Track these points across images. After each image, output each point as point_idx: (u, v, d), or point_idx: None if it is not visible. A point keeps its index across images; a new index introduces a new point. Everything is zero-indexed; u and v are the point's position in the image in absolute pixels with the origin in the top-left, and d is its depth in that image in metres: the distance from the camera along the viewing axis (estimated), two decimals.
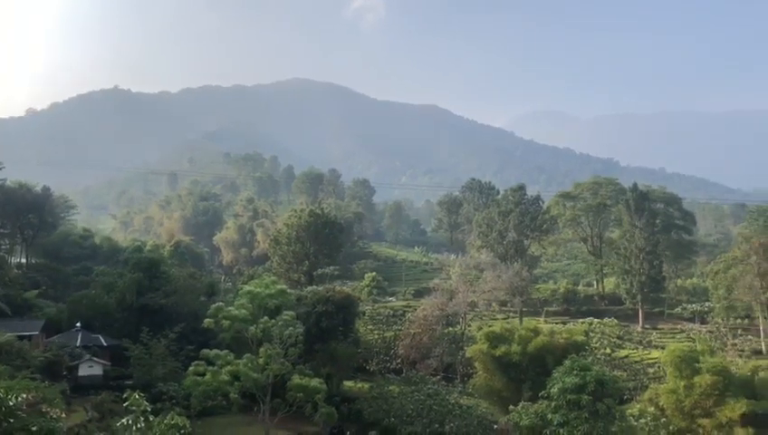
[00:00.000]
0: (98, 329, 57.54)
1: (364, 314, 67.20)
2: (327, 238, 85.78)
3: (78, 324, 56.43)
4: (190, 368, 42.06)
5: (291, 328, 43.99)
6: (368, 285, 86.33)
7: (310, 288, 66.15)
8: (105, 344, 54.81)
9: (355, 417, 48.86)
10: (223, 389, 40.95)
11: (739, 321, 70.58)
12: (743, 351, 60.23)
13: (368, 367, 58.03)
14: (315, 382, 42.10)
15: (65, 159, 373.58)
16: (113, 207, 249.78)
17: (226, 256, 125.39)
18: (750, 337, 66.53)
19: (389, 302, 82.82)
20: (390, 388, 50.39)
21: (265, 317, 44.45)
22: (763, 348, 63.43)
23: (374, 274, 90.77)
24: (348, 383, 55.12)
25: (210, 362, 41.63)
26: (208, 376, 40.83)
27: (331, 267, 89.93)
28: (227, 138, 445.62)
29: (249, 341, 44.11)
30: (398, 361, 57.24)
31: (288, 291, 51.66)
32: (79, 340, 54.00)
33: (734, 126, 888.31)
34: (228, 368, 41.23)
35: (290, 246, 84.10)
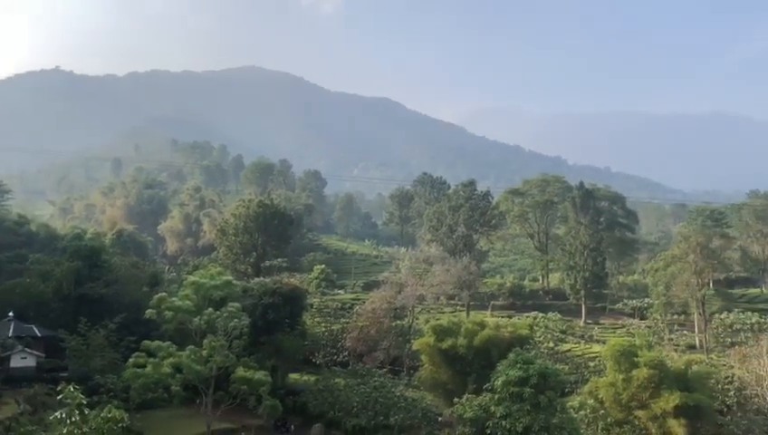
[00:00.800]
0: (32, 319, 55.11)
1: (312, 306, 66.70)
2: (276, 230, 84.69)
3: (10, 314, 53.77)
4: (130, 360, 40.87)
5: (236, 320, 43.36)
6: (316, 278, 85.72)
7: (257, 280, 65.36)
8: (39, 335, 52.52)
9: (300, 410, 48.59)
10: (164, 381, 39.99)
11: (676, 317, 73.16)
12: (678, 345, 62.49)
13: (314, 360, 57.66)
14: (260, 375, 41.62)
15: None
16: (52, 194, 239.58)
17: (171, 246, 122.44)
18: (685, 332, 69.15)
19: (338, 294, 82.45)
20: (336, 381, 50.22)
21: (210, 309, 43.54)
22: (697, 343, 65.99)
23: (323, 266, 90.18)
24: (293, 376, 54.62)
25: (151, 354, 40.57)
26: (149, 368, 39.76)
27: (280, 259, 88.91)
28: (175, 125, 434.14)
29: (193, 332, 43.20)
30: (345, 353, 57.09)
31: (234, 282, 50.77)
32: (11, 330, 51.51)
33: (677, 128, 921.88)
34: (170, 360, 40.25)
35: (237, 237, 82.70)
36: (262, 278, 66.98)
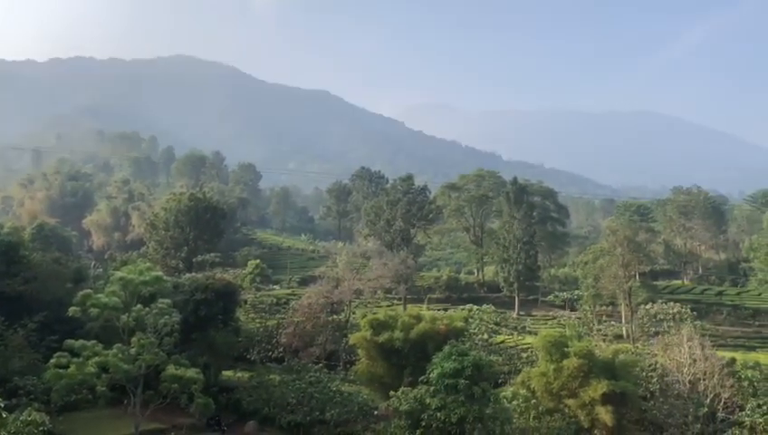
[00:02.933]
0: None
1: (246, 302, 65.48)
2: (208, 224, 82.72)
3: None
4: (52, 360, 38.78)
5: (166, 317, 42.13)
6: (251, 273, 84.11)
7: (188, 275, 63.56)
8: None
9: (234, 407, 47.66)
10: (89, 381, 38.37)
11: (604, 308, 75.74)
12: (606, 335, 64.45)
13: (248, 356, 56.55)
14: (191, 372, 40.53)
15: None
16: None
17: (97, 241, 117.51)
18: (613, 323, 71.62)
19: (273, 290, 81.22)
20: (271, 377, 49.51)
21: (139, 305, 42.19)
22: (624, 332, 68.58)
23: (258, 261, 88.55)
24: (227, 373, 53.47)
25: (75, 354, 38.77)
26: (72, 368, 37.97)
27: (212, 254, 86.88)
28: (101, 114, 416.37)
29: (120, 330, 41.64)
30: (281, 349, 56.19)
31: (165, 278, 49.28)
32: None
33: (607, 126, 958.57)
34: (96, 359, 38.60)
35: (168, 231, 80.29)
36: (194, 274, 65.08)
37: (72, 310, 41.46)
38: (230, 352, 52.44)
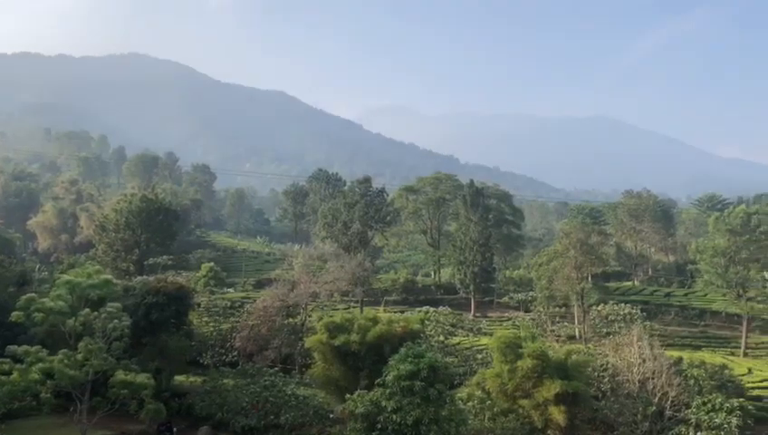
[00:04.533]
0: None
1: (199, 305, 64.08)
2: (161, 226, 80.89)
3: None
4: None
5: (116, 321, 41.07)
6: (204, 276, 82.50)
7: (139, 278, 62.30)
8: None
9: (186, 412, 46.68)
10: (33, 388, 37.24)
11: (558, 309, 76.87)
12: (559, 336, 65.82)
13: (202, 360, 55.49)
14: (142, 378, 39.66)
15: None
16: None
17: (43, 243, 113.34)
18: (566, 324, 72.94)
19: (228, 293, 79.81)
20: (225, 381, 48.67)
21: (87, 310, 40.94)
22: (577, 333, 69.89)
23: (212, 264, 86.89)
24: (179, 378, 52.27)
25: (18, 360, 37.52)
26: (15, 375, 36.79)
27: (165, 257, 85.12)
28: (48, 112, 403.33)
29: (67, 335, 40.41)
30: (235, 353, 55.30)
31: (114, 281, 48.21)
32: None
33: (561, 131, 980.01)
34: (40, 365, 37.43)
35: (118, 233, 78.17)
36: (145, 277, 63.66)
37: (14, 315, 40.03)
38: (183, 357, 51.28)
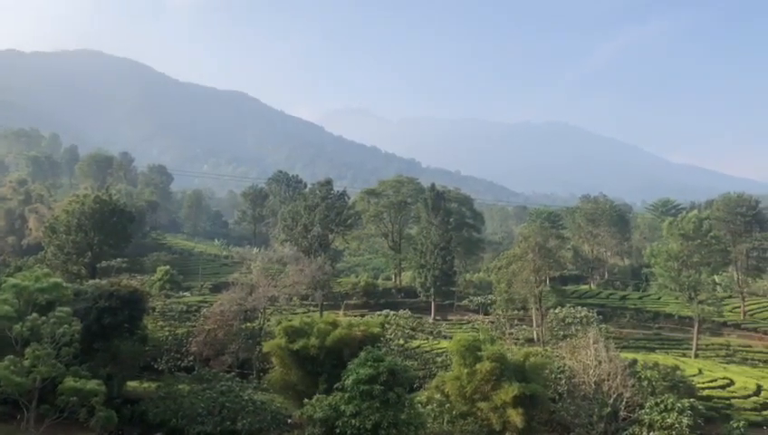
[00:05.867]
0: None
1: (154, 309, 62.65)
2: (114, 228, 78.74)
3: None
4: None
5: (65, 326, 40.10)
6: (160, 279, 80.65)
7: (91, 282, 60.49)
8: None
9: (139, 419, 45.17)
10: None
11: (516, 312, 77.77)
12: (518, 339, 66.42)
13: (156, 366, 53.95)
14: (92, 384, 38.56)
15: None
16: None
17: None
18: (524, 326, 73.74)
19: (184, 297, 78.17)
20: (180, 386, 47.36)
21: (35, 314, 39.88)
22: (535, 336, 70.70)
23: (168, 267, 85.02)
24: (132, 384, 50.75)
25: None
26: None
27: (119, 260, 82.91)
28: None
29: (13, 341, 39.18)
30: (191, 358, 53.92)
31: (64, 285, 46.98)
32: None
33: (522, 136, 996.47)
34: None
35: (69, 236, 75.68)
36: (97, 280, 61.81)
37: None
38: (136, 362, 49.93)
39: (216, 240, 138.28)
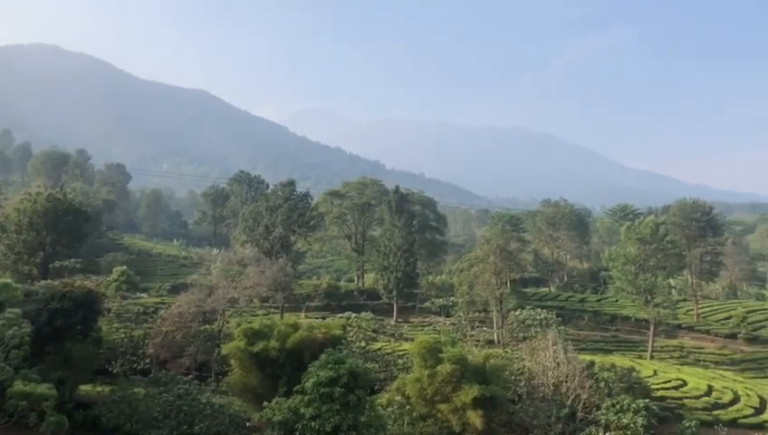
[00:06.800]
0: None
1: (110, 311, 61.05)
2: (69, 227, 76.43)
3: None
4: None
5: (15, 328, 38.82)
6: (116, 280, 78.68)
7: (43, 282, 58.49)
8: None
9: (92, 424, 43.88)
10: None
11: (478, 314, 78.27)
12: (479, 341, 66.80)
13: (111, 369, 52.56)
14: (42, 388, 37.06)
15: None
16: None
17: None
18: (485, 328, 74.20)
19: (141, 298, 76.45)
20: (135, 390, 46.26)
21: None
22: (496, 338, 71.24)
23: (124, 268, 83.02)
24: (85, 387, 49.28)
25: None
26: None
27: (73, 260, 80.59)
28: None
29: None
30: (147, 361, 52.80)
31: (14, 285, 45.54)
32: None
33: (487, 140, 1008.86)
34: None
35: (20, 235, 73.17)
36: (50, 281, 59.88)
37: None
38: (89, 365, 48.37)
39: (176, 241, 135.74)
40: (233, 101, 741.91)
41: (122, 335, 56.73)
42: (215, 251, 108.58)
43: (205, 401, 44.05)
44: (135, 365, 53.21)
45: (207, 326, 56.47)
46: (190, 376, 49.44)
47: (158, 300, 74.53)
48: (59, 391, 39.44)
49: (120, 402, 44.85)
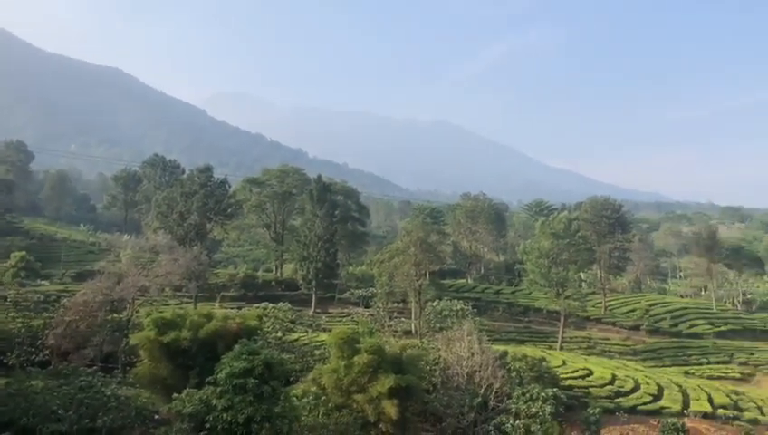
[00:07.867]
0: None
1: (6, 299, 57.15)
2: None
3: None
4: None
5: None
6: (14, 266, 73.83)
7: None
8: None
9: None
10: None
11: (396, 305, 78.89)
12: (397, 331, 67.21)
13: (6, 360, 49.15)
14: None
15: None
16: None
17: None
18: (403, 319, 74.86)
19: (42, 286, 72.10)
20: (33, 383, 43.29)
21: None
22: (413, 328, 71.94)
23: (24, 253, 78.03)
24: None
25: None
26: None
27: None
28: None
29: None
30: (47, 352, 49.70)
31: None
32: None
33: (408, 132, 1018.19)
34: None
35: None
36: None
37: None
38: None
39: (83, 225, 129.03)
40: (148, 80, 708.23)
41: (19, 325, 53.06)
42: (125, 237, 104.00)
43: (110, 393, 41.75)
44: (33, 357, 49.90)
45: (115, 316, 53.83)
46: (95, 368, 46.84)
47: (61, 288, 70.57)
48: None
49: (16, 396, 41.85)
